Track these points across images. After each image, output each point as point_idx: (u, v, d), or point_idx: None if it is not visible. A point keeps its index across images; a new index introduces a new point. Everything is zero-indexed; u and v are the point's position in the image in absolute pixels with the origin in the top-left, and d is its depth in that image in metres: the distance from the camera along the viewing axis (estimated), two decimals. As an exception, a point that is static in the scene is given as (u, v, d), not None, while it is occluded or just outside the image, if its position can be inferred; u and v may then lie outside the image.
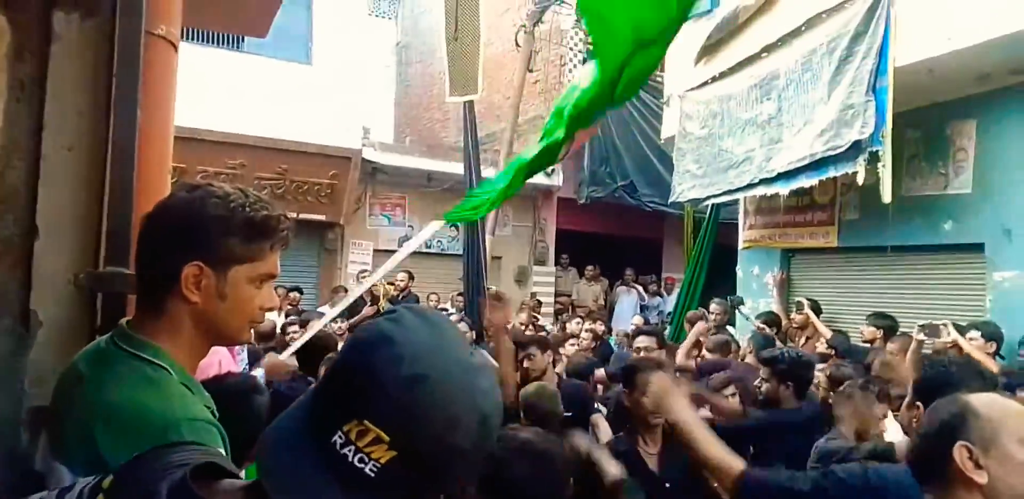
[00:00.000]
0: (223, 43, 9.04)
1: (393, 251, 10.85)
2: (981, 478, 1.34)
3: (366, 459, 0.70)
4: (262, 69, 8.97)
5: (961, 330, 5.08)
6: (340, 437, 0.70)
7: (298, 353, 4.78)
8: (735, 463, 1.85)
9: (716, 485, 2.01)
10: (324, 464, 0.71)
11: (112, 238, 1.44)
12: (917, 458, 1.49)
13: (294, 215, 9.45)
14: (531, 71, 11.08)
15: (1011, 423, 1.38)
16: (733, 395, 4.40)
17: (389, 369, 0.71)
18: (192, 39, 7.03)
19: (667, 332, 8.16)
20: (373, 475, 0.70)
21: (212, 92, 8.11)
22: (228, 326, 1.24)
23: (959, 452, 1.36)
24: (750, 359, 5.65)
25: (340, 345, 5.27)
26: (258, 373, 3.63)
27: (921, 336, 5.02)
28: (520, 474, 1.62)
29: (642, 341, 4.76)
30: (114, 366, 1.17)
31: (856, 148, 5.51)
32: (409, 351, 0.72)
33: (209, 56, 8.27)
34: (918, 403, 2.19)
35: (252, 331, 1.33)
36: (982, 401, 1.44)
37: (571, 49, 11.88)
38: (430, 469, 0.72)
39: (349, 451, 0.70)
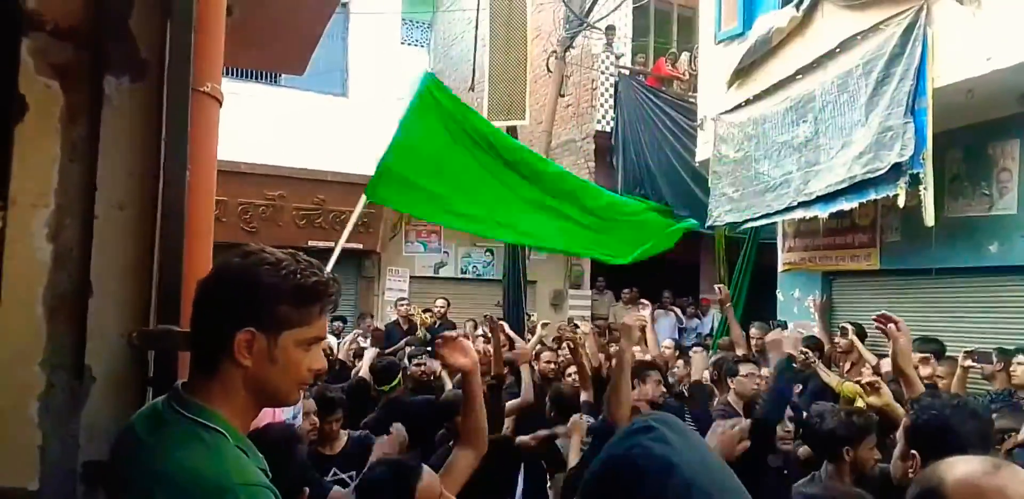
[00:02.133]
0: (261, 78, 9.26)
1: (429, 277, 11.01)
2: None
3: None
4: (299, 102, 9.17)
5: (1009, 353, 4.95)
6: None
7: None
8: None
9: None
10: None
11: (163, 296, 1.48)
12: None
13: (331, 244, 9.59)
14: (562, 96, 11.14)
15: None
16: None
17: (684, 497, 0.74)
18: (230, 74, 7.24)
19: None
20: None
21: (250, 125, 8.30)
22: (279, 389, 1.26)
23: None
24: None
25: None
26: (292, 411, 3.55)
27: (968, 362, 4.90)
28: None
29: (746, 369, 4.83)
30: (171, 431, 1.20)
31: (896, 170, 5.44)
32: (692, 474, 0.76)
33: (247, 90, 8.48)
34: (913, 452, 2.02)
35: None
36: (957, 482, 1.27)
37: (602, 73, 11.91)
38: None
39: None
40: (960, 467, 1.28)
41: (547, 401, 4.71)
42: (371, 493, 2.02)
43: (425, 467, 2.09)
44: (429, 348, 7.49)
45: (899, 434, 2.15)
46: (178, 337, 1.44)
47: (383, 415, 4.60)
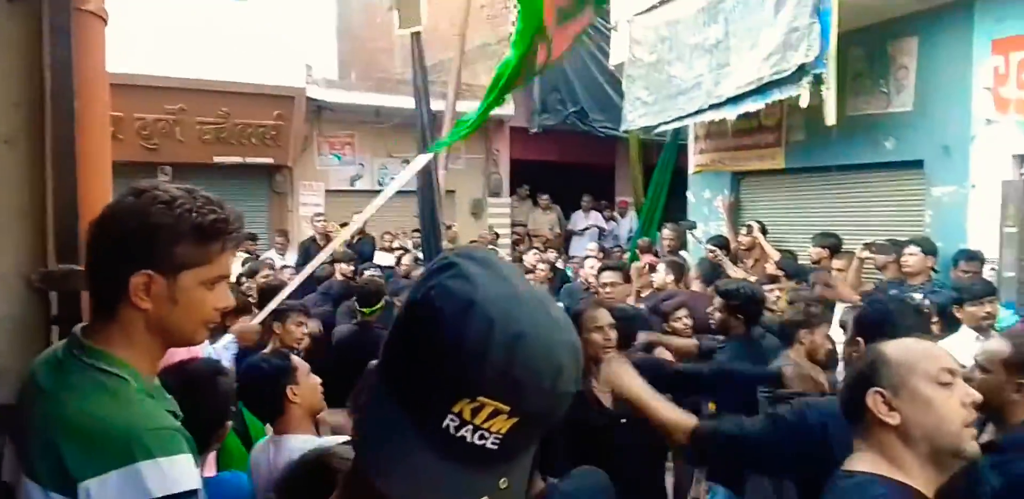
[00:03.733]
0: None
1: (345, 191, 10.80)
2: (893, 419, 1.47)
3: (486, 434, 0.66)
4: (195, 7, 8.54)
5: (901, 245, 5.29)
6: (453, 420, 0.66)
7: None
8: (687, 421, 2.00)
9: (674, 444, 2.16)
10: (443, 453, 0.66)
11: (60, 235, 1.43)
12: (843, 406, 1.62)
13: (239, 160, 9.27)
14: (474, -2, 10.74)
15: (921, 365, 1.51)
16: (686, 317, 4.60)
17: (485, 337, 0.65)
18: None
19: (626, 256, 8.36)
20: (496, 448, 0.66)
21: (143, 35, 7.73)
22: (182, 329, 1.25)
23: (872, 398, 1.50)
24: (697, 285, 5.86)
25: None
26: (226, 339, 3.54)
27: (865, 254, 5.22)
28: None
29: (607, 277, 4.82)
30: (71, 379, 1.18)
31: (801, 71, 5.54)
32: (495, 311, 0.66)
33: (137, -3, 7.84)
34: (859, 339, 2.30)
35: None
36: (894, 348, 1.57)
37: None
38: (546, 422, 0.69)
39: (467, 431, 0.66)
40: (893, 342, 1.60)
41: None
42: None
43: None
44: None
45: (849, 324, 2.47)
46: (80, 277, 1.40)
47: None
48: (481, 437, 0.66)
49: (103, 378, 1.18)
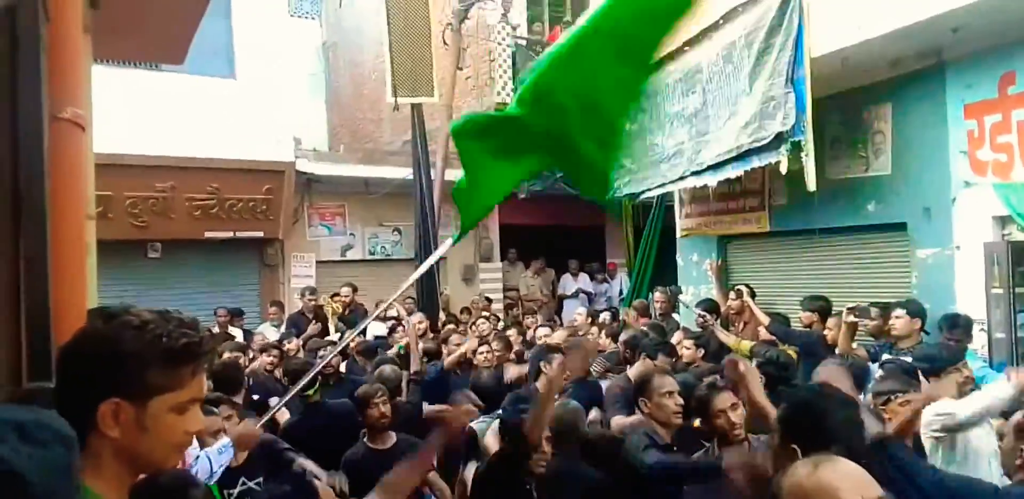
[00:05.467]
0: (140, 63, 8.78)
1: (336, 261, 10.83)
2: None
3: None
4: (184, 87, 8.73)
5: (888, 307, 5.29)
6: None
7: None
8: None
9: None
10: None
11: (32, 353, 1.42)
12: None
13: (230, 235, 9.30)
14: (461, 69, 11.03)
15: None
16: None
17: None
18: (108, 61, 6.85)
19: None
20: None
21: (133, 114, 7.89)
22: (152, 456, 1.22)
23: None
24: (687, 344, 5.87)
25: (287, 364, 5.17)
26: (221, 443, 3.24)
27: (851, 318, 5.21)
28: None
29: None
30: None
31: (779, 139, 5.66)
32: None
33: (127, 77, 8.02)
34: (794, 447, 2.06)
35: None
36: (788, 488, 1.52)
37: (499, 44, 11.85)
38: None
39: None
40: (792, 473, 1.53)
41: None
42: None
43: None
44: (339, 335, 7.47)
45: (774, 425, 2.28)
46: (51, 394, 1.38)
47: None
48: None
49: None
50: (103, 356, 1.16)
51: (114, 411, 1.16)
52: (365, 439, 4.02)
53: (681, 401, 3.46)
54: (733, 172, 6.15)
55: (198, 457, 2.97)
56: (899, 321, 5.02)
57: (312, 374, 3.77)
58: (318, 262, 10.61)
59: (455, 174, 8.22)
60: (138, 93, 8.21)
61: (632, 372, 4.85)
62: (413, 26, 9.67)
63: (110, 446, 1.18)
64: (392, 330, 7.84)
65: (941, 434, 3.52)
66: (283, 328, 8.40)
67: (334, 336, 7.52)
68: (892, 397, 3.37)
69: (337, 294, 8.60)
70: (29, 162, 1.50)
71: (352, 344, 6.40)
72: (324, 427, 4.37)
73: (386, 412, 3.96)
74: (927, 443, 3.57)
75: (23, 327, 1.43)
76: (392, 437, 4.00)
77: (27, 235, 1.43)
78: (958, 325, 4.93)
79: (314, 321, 7.99)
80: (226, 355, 5.48)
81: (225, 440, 3.23)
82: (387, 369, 4.99)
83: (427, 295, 8.95)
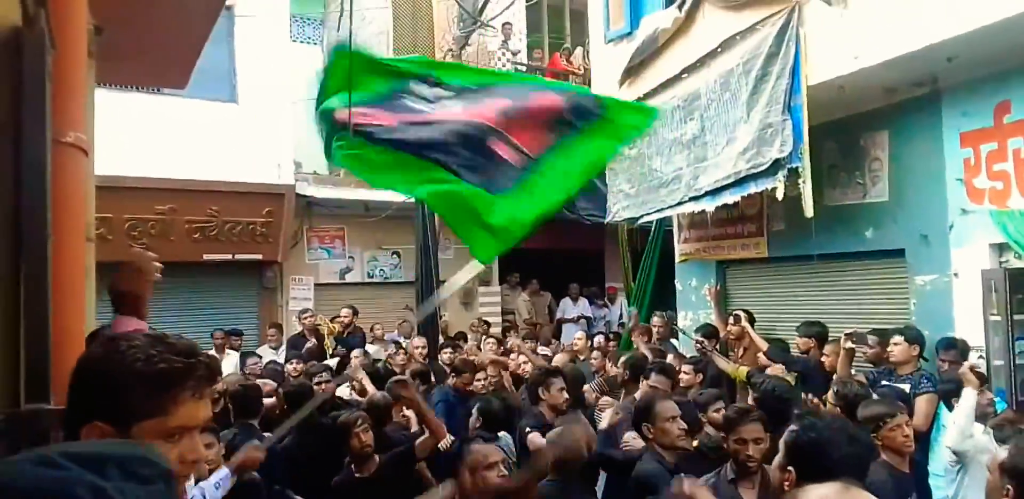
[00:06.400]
0: (141, 87, 8.86)
1: (335, 284, 10.83)
2: None
3: None
4: (185, 111, 8.80)
5: (886, 334, 5.29)
6: None
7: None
8: None
9: None
10: None
11: (30, 374, 1.42)
12: None
13: (228, 257, 9.30)
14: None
15: None
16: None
17: None
18: (110, 85, 6.92)
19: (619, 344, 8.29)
20: None
21: (134, 137, 7.93)
22: None
23: None
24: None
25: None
26: (219, 475, 3.09)
27: (849, 344, 5.20)
28: None
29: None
30: None
31: (776, 165, 5.71)
32: None
33: (129, 101, 8.08)
34: (790, 468, 2.22)
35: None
36: None
37: (501, 69, 11.98)
38: None
39: None
40: (812, 495, 1.48)
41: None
42: None
43: None
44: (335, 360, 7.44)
45: (780, 446, 2.33)
46: (49, 416, 1.38)
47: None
48: None
49: None
50: (90, 379, 1.17)
51: (96, 435, 1.14)
52: (352, 466, 3.99)
53: (684, 426, 3.51)
54: (731, 198, 6.20)
55: (192, 496, 2.86)
56: (897, 348, 5.04)
57: (316, 403, 3.74)
58: (317, 285, 10.60)
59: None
60: (139, 116, 8.27)
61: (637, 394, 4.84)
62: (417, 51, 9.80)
63: None
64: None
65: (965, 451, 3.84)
66: (282, 350, 8.40)
67: (330, 361, 7.49)
68: (882, 422, 3.38)
69: (337, 316, 8.60)
70: (32, 185, 1.52)
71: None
72: (317, 448, 4.33)
73: (367, 440, 3.90)
74: (952, 469, 3.87)
75: (22, 348, 1.43)
76: (375, 462, 3.95)
77: (28, 256, 1.44)
78: (954, 347, 4.96)
79: (314, 342, 7.97)
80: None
81: (222, 472, 3.11)
82: (377, 395, 4.95)
83: (427, 318, 8.94)
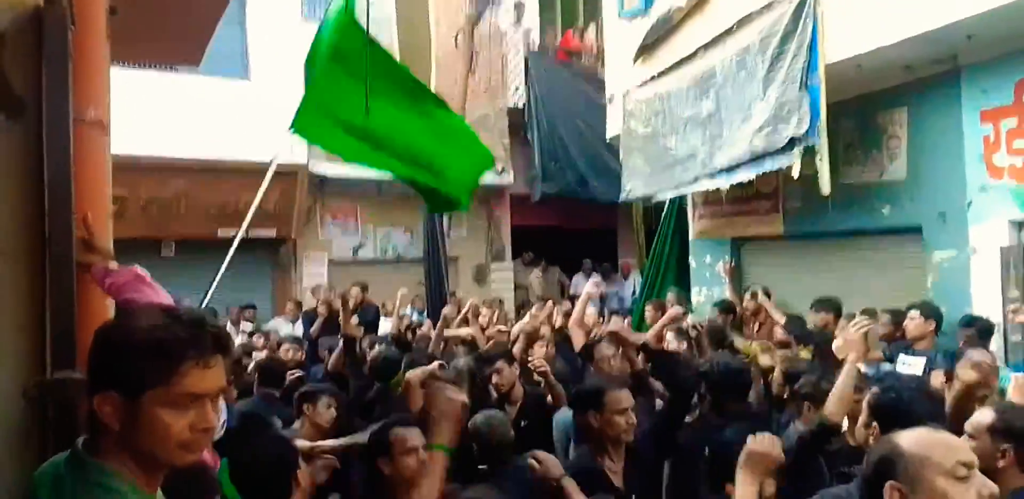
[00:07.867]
0: (156, 64, 8.85)
1: (347, 261, 10.90)
2: None
3: None
4: (198, 88, 8.81)
5: (899, 313, 5.26)
6: None
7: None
8: None
9: None
10: None
11: (56, 343, 1.45)
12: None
13: (243, 234, 9.33)
14: (473, 73, 11.08)
15: (935, 458, 1.50)
16: None
17: None
18: (124, 62, 6.92)
19: (629, 320, 8.30)
20: None
21: (148, 116, 7.96)
22: (153, 452, 1.21)
23: (888, 493, 1.50)
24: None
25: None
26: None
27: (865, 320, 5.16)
28: None
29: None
30: (71, 496, 1.19)
31: (793, 143, 5.67)
32: None
33: (142, 79, 8.08)
34: (875, 424, 2.44)
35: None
36: (909, 440, 1.57)
37: (513, 48, 11.91)
38: None
39: None
40: (908, 433, 1.61)
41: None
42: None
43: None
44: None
45: (864, 406, 2.59)
46: (76, 384, 1.41)
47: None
48: None
49: (101, 495, 1.18)
50: (100, 350, 1.20)
51: (108, 403, 1.18)
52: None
53: (634, 419, 3.02)
54: (746, 175, 6.16)
55: None
56: (913, 322, 4.97)
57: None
58: (330, 261, 10.67)
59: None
60: (152, 94, 8.28)
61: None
62: (418, 33, 9.72)
63: (115, 439, 1.21)
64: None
65: None
66: (299, 323, 8.52)
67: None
68: None
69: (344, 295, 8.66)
70: (56, 162, 1.53)
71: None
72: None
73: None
74: None
75: (48, 319, 1.46)
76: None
77: (54, 231, 1.47)
78: (971, 324, 4.92)
79: (326, 315, 8.04)
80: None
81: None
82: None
83: (437, 295, 8.99)
